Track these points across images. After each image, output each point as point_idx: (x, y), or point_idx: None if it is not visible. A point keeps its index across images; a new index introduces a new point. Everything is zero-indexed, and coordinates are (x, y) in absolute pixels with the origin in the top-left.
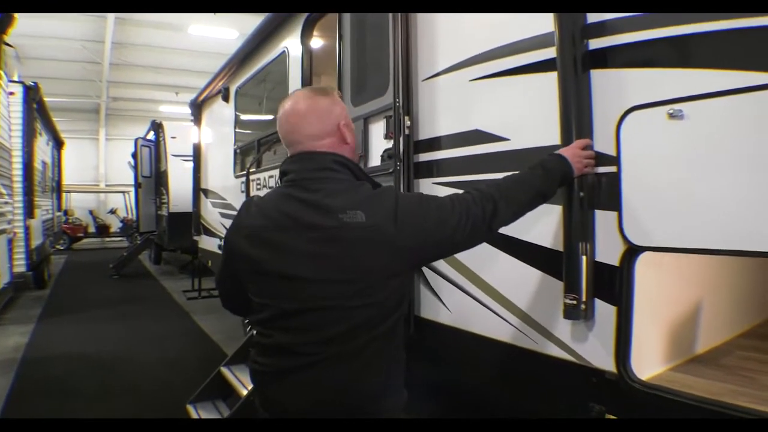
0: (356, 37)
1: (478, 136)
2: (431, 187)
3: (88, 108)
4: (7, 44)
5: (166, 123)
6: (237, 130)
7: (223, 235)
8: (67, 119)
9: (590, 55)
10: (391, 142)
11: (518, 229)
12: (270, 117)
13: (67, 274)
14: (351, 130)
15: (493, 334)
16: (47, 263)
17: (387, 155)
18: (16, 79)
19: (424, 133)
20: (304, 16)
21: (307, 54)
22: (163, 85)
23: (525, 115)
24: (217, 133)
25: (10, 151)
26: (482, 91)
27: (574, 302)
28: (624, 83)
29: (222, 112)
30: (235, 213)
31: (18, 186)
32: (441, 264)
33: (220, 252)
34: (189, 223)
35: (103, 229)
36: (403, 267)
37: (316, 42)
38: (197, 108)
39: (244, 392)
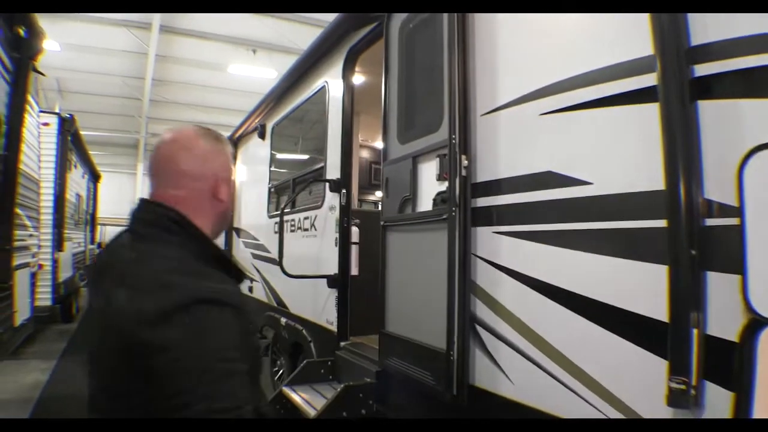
0: (405, 68)
1: (550, 179)
2: (491, 237)
3: (127, 143)
4: (39, 72)
5: None
6: (272, 168)
7: (254, 277)
8: (106, 153)
9: (696, 83)
10: (445, 184)
11: (607, 291)
12: (306, 156)
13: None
14: (229, 192)
15: (568, 415)
16: (76, 296)
17: (441, 199)
18: (57, 110)
19: (483, 175)
20: (345, 49)
21: (349, 89)
22: (201, 123)
23: (613, 154)
24: (252, 171)
25: (39, 183)
26: (556, 126)
27: (682, 386)
28: (743, 116)
29: (257, 149)
30: (268, 254)
31: (47, 218)
32: (499, 324)
33: (249, 294)
34: None
35: None
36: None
37: (357, 78)
38: (232, 145)
39: (311, 412)
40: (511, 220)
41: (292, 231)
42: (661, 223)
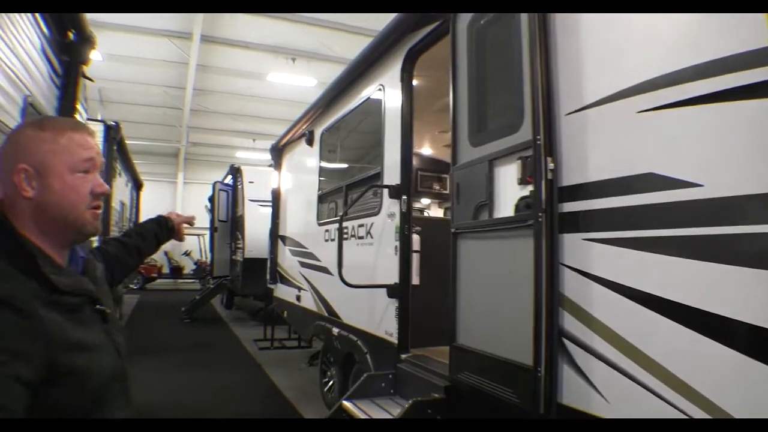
0: (475, 67)
1: (651, 182)
2: (581, 244)
3: (167, 152)
4: (87, 77)
5: (245, 168)
6: (321, 175)
7: (302, 286)
8: (147, 162)
9: None
10: (528, 188)
11: (718, 301)
12: (360, 162)
13: (139, 315)
14: (46, 182)
15: None
16: (119, 303)
17: (525, 204)
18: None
19: (571, 178)
20: (404, 50)
21: (407, 91)
22: (241, 132)
23: (727, 153)
24: (299, 178)
25: None
26: (658, 124)
27: None
28: None
29: (304, 156)
30: (318, 262)
31: None
32: (591, 337)
33: (297, 302)
34: (263, 269)
35: (176, 271)
36: None
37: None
38: (278, 153)
39: None
40: (605, 226)
41: (345, 239)
42: None
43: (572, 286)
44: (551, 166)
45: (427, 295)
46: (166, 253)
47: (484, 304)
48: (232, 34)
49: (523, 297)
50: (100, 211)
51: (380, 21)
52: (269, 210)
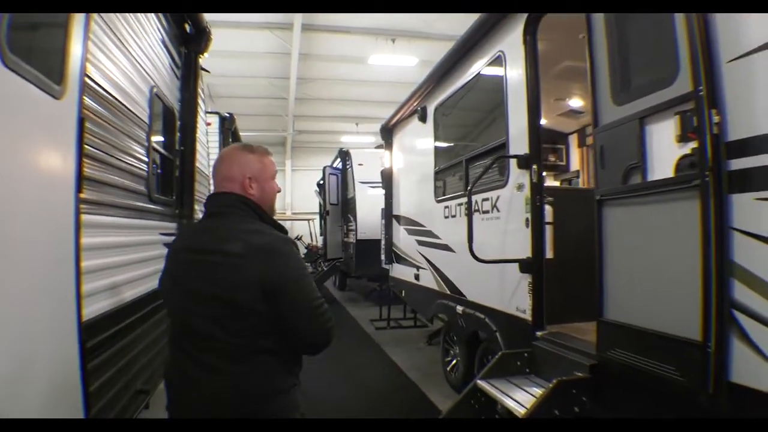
0: (615, 21)
1: None
2: (753, 205)
3: (275, 141)
4: (204, 69)
5: (353, 151)
6: (437, 150)
7: (420, 265)
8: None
9: None
10: (688, 145)
11: None
12: (481, 133)
13: None
14: (260, 186)
15: None
16: None
17: (689, 163)
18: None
19: (738, 132)
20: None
21: (531, 54)
22: (345, 117)
23: None
24: (412, 157)
25: (209, 179)
26: None
27: None
28: None
29: (417, 134)
30: (437, 240)
31: None
32: (763, 306)
33: (416, 282)
34: (376, 250)
35: None
36: (259, 296)
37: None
38: (388, 132)
39: (518, 409)
40: None
41: (467, 214)
42: None
43: (744, 252)
44: (716, 119)
45: (561, 269)
46: None
47: (638, 275)
48: (331, 20)
49: (686, 266)
50: None
51: None
52: (380, 191)
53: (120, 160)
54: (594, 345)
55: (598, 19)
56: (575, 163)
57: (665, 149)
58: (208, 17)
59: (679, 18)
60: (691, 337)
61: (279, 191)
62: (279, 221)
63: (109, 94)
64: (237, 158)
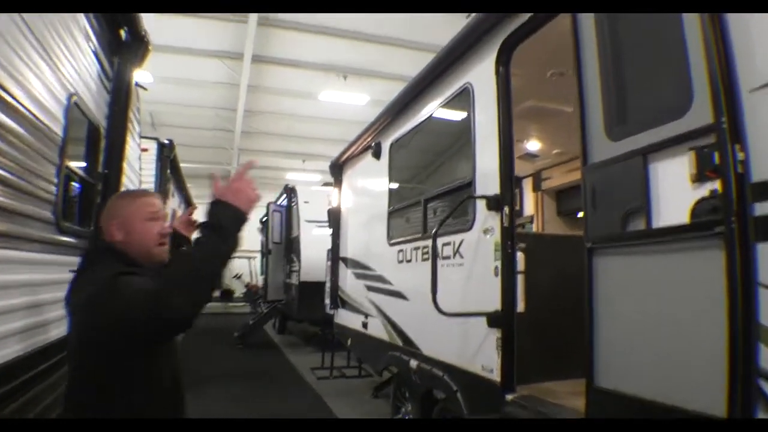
0: (609, 42)
1: None
2: None
3: (218, 175)
4: (140, 85)
5: (300, 187)
6: (392, 189)
7: (369, 312)
8: (197, 185)
9: None
10: (705, 187)
11: None
12: (443, 171)
13: (190, 339)
14: (128, 229)
15: None
16: None
17: (711, 207)
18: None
19: (764, 171)
20: (497, 41)
21: (504, 85)
22: (291, 153)
23: None
24: (363, 196)
25: None
26: None
27: None
28: None
29: (370, 170)
30: (389, 286)
31: None
32: None
33: (364, 330)
34: (320, 293)
35: (227, 294)
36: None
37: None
38: (338, 169)
39: None
40: None
41: (425, 259)
42: None
43: None
44: (740, 156)
45: (532, 323)
46: None
47: (641, 337)
48: (283, 53)
49: (706, 327)
50: (166, 247)
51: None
52: (326, 231)
53: (17, 177)
54: (578, 413)
55: (590, 40)
56: (529, 208)
57: (675, 190)
58: (156, 40)
59: (693, 39)
60: (709, 411)
61: (162, 231)
62: None
63: (7, 92)
64: (108, 206)
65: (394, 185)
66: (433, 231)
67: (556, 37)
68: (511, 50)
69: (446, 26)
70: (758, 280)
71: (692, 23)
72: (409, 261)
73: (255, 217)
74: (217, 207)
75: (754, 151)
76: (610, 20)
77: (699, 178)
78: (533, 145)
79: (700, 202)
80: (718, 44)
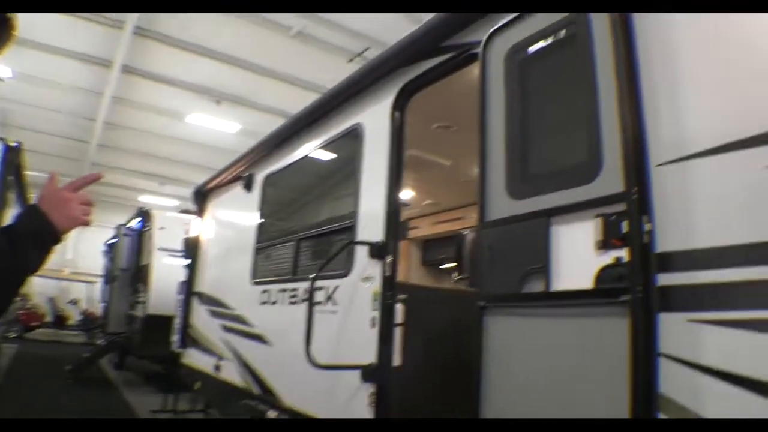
0: (517, 101)
1: None
2: (686, 328)
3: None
4: None
5: (156, 212)
6: (262, 225)
7: (223, 354)
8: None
9: None
10: (609, 254)
11: None
12: (323, 212)
13: (16, 371)
14: None
15: None
16: None
17: (617, 275)
18: None
19: (669, 243)
20: (396, 85)
21: (398, 131)
22: (148, 174)
23: None
24: (228, 228)
25: None
26: None
27: None
28: None
29: (239, 203)
30: (249, 328)
31: None
32: None
33: (216, 374)
34: (167, 328)
35: (60, 321)
36: None
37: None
38: (202, 197)
39: None
40: (723, 303)
41: (292, 303)
42: None
43: (675, 382)
44: (647, 227)
45: (409, 378)
46: (51, 300)
47: (535, 399)
48: (156, 68)
49: (604, 394)
50: None
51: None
52: (181, 261)
53: None
54: None
55: (498, 92)
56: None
57: (578, 254)
58: (23, 34)
59: (607, 106)
60: None
61: None
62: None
63: None
64: None
65: (265, 221)
66: (312, 276)
67: (451, 91)
68: (409, 96)
69: (330, 66)
70: (658, 350)
71: (609, 89)
72: (274, 303)
73: (103, 238)
74: (28, 214)
75: (661, 224)
76: (521, 73)
77: (605, 245)
78: (406, 193)
79: (606, 268)
80: (633, 116)
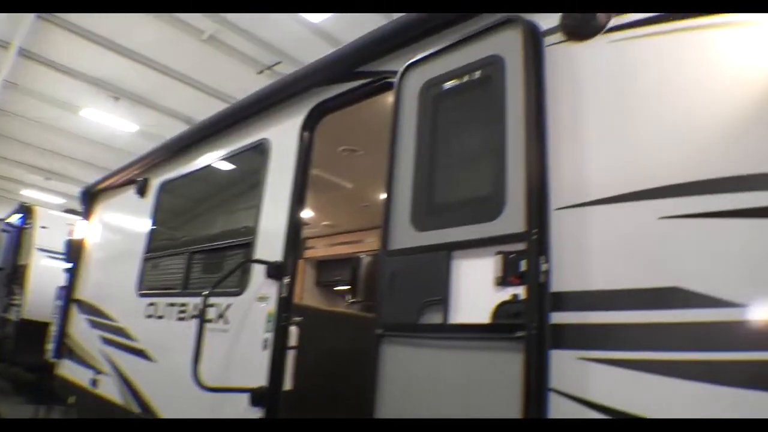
0: (427, 135)
1: (677, 297)
2: (576, 365)
3: None
4: None
5: (39, 209)
6: (153, 233)
7: (102, 368)
8: None
9: None
10: (506, 290)
11: None
12: (220, 226)
13: None
14: None
15: None
16: None
17: (514, 312)
18: None
19: (565, 284)
20: (308, 104)
21: (306, 151)
22: (34, 167)
23: None
24: (116, 234)
25: None
26: (689, 234)
27: None
28: None
29: (130, 208)
30: (131, 342)
31: None
32: None
33: (92, 389)
34: (43, 335)
35: None
36: None
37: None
38: (91, 198)
39: None
40: (610, 343)
41: (180, 318)
42: None
43: (562, 416)
44: (544, 267)
45: (299, 403)
46: None
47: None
48: (57, 56)
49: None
50: None
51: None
52: (62, 265)
53: None
54: None
55: (410, 122)
56: None
57: (478, 289)
58: None
59: (513, 149)
60: None
61: None
62: None
63: None
64: None
65: (157, 229)
66: (205, 292)
67: (361, 116)
68: (320, 116)
69: (239, 75)
70: (549, 385)
71: (517, 133)
72: (160, 317)
73: None
74: None
75: (554, 264)
76: (434, 107)
77: (503, 281)
78: (305, 212)
79: (503, 304)
80: (538, 160)
